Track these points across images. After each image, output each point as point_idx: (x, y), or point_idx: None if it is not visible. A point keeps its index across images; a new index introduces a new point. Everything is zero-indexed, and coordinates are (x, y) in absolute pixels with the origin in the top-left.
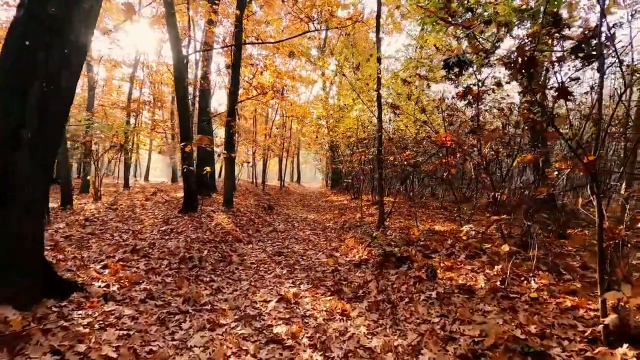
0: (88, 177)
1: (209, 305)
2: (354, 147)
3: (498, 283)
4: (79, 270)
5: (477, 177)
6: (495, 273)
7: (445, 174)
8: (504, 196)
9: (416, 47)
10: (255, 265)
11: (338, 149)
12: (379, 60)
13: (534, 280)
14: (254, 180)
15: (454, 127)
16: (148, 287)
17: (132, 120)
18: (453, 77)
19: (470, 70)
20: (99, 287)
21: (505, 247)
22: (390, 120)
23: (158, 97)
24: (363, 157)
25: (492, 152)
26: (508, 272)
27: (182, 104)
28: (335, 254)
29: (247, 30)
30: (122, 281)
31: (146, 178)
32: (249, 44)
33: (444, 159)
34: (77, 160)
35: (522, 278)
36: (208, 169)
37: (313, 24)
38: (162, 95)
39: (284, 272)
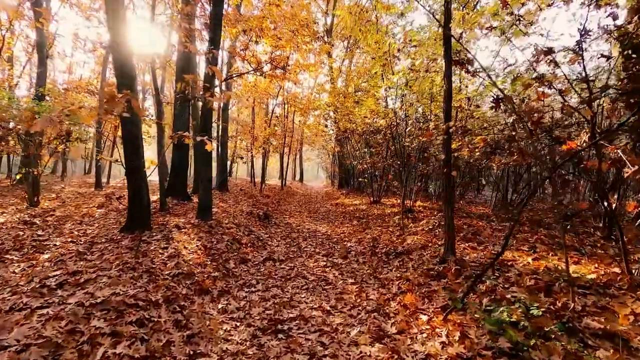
0: (17, 176)
1: None
2: (379, 135)
3: None
4: None
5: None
6: None
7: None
8: None
9: None
10: None
11: (348, 143)
12: None
13: None
14: (253, 179)
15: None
16: None
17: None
18: None
19: None
20: None
21: None
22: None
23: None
24: (428, 138)
25: None
26: None
27: (115, 35)
28: (386, 329)
29: None
30: None
31: None
32: None
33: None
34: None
35: None
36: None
37: None
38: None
39: None
